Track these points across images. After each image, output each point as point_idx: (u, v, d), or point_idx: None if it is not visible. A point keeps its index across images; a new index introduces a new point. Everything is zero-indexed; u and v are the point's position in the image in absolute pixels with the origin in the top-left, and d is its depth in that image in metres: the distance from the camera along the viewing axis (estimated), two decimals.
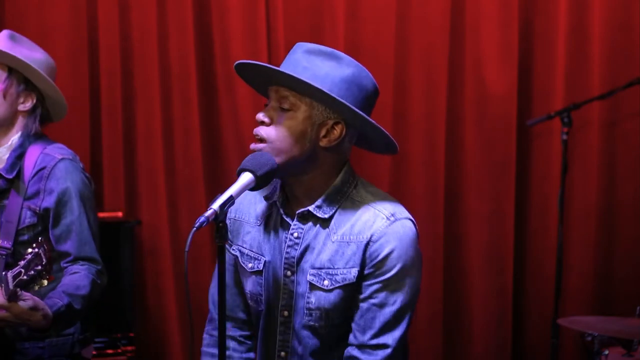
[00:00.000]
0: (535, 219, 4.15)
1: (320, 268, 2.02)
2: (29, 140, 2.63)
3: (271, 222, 2.09)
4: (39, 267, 2.27)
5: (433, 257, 4.04)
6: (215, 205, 1.80)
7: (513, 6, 4.02)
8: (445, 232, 4.06)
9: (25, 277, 2.26)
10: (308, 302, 2.03)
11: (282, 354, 2.08)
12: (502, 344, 4.11)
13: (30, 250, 2.31)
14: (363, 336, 2.00)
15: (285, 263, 2.06)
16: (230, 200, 1.82)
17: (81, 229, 2.56)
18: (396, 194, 4.03)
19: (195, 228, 1.76)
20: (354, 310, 2.01)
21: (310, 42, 4.19)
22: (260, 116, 1.98)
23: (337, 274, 2.01)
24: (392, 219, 1.99)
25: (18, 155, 2.60)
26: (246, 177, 1.90)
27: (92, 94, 3.89)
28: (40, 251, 2.28)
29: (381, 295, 1.98)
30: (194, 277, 3.83)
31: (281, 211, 2.06)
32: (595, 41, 4.03)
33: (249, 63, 2.03)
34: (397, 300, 1.98)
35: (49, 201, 2.55)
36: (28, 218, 2.56)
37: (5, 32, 2.66)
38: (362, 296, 2.00)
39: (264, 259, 2.08)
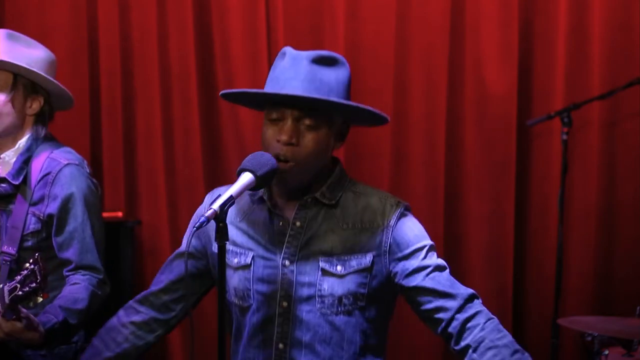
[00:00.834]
0: (535, 219, 4.15)
1: (331, 255, 2.05)
2: (37, 143, 2.59)
3: (256, 216, 2.10)
4: (34, 285, 2.26)
5: None
6: (216, 205, 1.80)
7: (513, 6, 4.02)
8: (445, 232, 4.06)
9: (20, 293, 2.26)
10: (320, 290, 2.04)
11: (281, 345, 2.06)
12: None
13: (27, 265, 2.30)
14: (452, 302, 2.11)
15: (285, 253, 2.06)
16: (231, 200, 1.83)
17: (84, 237, 2.53)
18: (396, 194, 4.02)
19: (195, 228, 1.77)
20: (416, 297, 2.08)
21: (311, 42, 4.22)
22: (286, 138, 2.00)
23: (351, 260, 2.06)
24: (400, 204, 2.12)
25: (25, 160, 2.56)
26: (246, 177, 1.90)
27: (92, 94, 3.89)
28: (36, 268, 2.27)
29: (429, 263, 2.17)
30: None
31: (269, 204, 2.09)
32: (595, 41, 4.03)
33: (271, 93, 2.02)
34: (435, 257, 2.21)
35: (52, 207, 2.52)
36: (32, 224, 2.54)
37: (2, 32, 2.61)
38: (416, 281, 2.09)
39: (252, 253, 2.09)
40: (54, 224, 2.53)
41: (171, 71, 3.92)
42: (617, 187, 4.10)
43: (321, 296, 2.05)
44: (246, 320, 2.10)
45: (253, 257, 2.08)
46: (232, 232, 2.10)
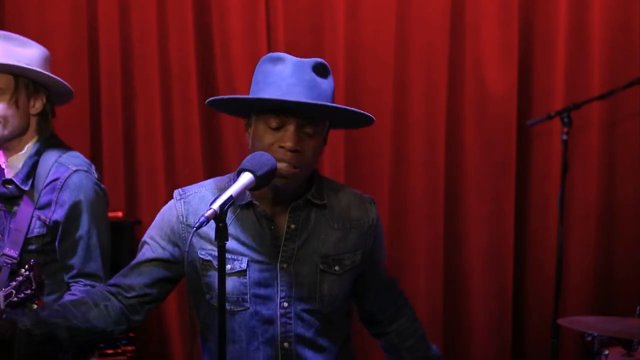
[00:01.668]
0: (535, 219, 4.15)
1: (327, 255, 2.12)
2: (44, 146, 2.58)
3: (244, 221, 2.10)
4: (29, 291, 2.26)
5: (433, 257, 4.04)
6: (215, 205, 1.79)
7: (513, 6, 4.02)
8: (445, 232, 4.06)
9: (15, 299, 2.26)
10: (320, 289, 2.10)
11: (286, 344, 2.10)
12: (502, 343, 4.10)
13: (22, 271, 2.29)
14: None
15: (282, 256, 2.08)
16: (230, 200, 1.82)
17: (89, 244, 2.52)
18: (396, 194, 4.07)
19: (195, 228, 1.76)
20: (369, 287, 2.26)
21: (310, 42, 4.21)
22: (292, 145, 1.99)
23: (345, 259, 2.14)
24: (374, 202, 2.25)
25: (33, 163, 2.54)
26: (246, 177, 1.90)
27: (92, 94, 3.89)
28: (31, 275, 2.26)
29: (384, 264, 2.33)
30: None
31: (259, 210, 2.09)
32: (595, 41, 4.03)
33: (281, 100, 1.99)
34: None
35: (59, 214, 2.51)
36: (37, 228, 2.52)
37: None
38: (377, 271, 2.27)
39: (246, 258, 2.08)
40: (59, 230, 2.52)
41: (171, 71, 3.92)
42: (617, 187, 4.11)
43: (322, 296, 2.10)
44: (239, 323, 2.11)
45: (248, 263, 2.09)
46: None
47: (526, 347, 4.19)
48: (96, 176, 2.60)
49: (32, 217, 2.52)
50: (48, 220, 2.51)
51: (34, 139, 2.59)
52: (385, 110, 3.97)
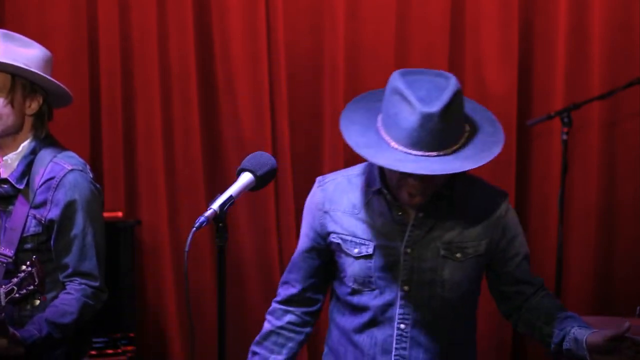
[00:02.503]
0: (535, 219, 4.15)
1: (450, 242, 2.15)
2: (40, 146, 2.58)
3: (375, 207, 2.17)
4: (31, 287, 2.28)
5: None
6: (215, 205, 1.80)
7: (513, 6, 4.02)
8: None
9: (17, 295, 2.27)
10: (442, 274, 2.15)
11: (402, 326, 2.17)
12: (502, 344, 4.10)
13: (24, 267, 2.30)
14: (530, 288, 2.32)
15: (407, 241, 2.14)
16: (230, 200, 1.83)
17: (83, 244, 2.53)
18: None
19: (195, 228, 1.77)
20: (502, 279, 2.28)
21: (311, 42, 4.21)
22: (419, 194, 2.08)
23: (467, 247, 2.17)
24: (505, 196, 2.26)
25: (28, 163, 2.55)
26: (246, 177, 1.90)
27: (92, 94, 3.89)
28: (33, 271, 2.28)
29: (521, 251, 2.37)
30: (194, 277, 3.83)
31: (389, 197, 2.15)
32: (595, 41, 4.03)
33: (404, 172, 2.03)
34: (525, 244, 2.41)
35: (54, 213, 2.51)
36: (33, 227, 2.53)
37: None
38: (507, 267, 2.28)
39: (373, 243, 2.16)
40: (54, 229, 2.53)
41: (171, 71, 3.91)
42: (617, 187, 4.11)
43: (442, 280, 2.15)
44: (366, 302, 2.20)
45: (375, 247, 2.16)
46: (350, 223, 2.19)
47: (526, 347, 4.19)
48: (91, 175, 2.61)
49: (27, 216, 2.52)
50: (44, 219, 2.52)
51: (29, 139, 2.59)
52: None
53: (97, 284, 2.55)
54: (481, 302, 4.17)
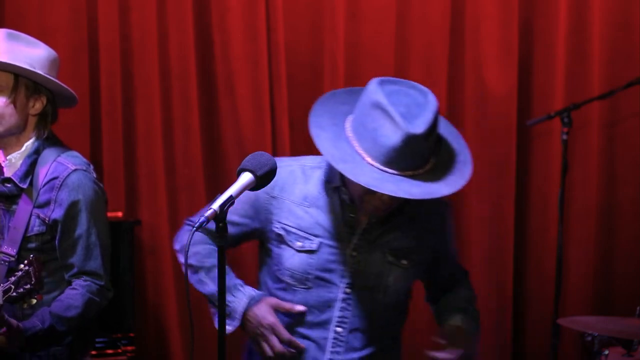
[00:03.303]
0: (535, 219, 4.15)
1: (398, 249, 2.15)
2: (43, 146, 2.58)
3: (326, 204, 2.14)
4: (28, 286, 2.28)
5: None
6: (215, 205, 1.80)
7: (513, 6, 4.02)
8: None
9: (14, 294, 2.27)
10: (386, 281, 2.15)
11: (339, 329, 2.14)
12: (502, 344, 4.10)
13: (21, 266, 2.30)
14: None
15: (355, 245, 2.13)
16: (230, 200, 1.83)
17: (88, 243, 2.54)
18: None
19: (195, 228, 1.77)
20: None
21: (310, 42, 4.21)
22: (385, 208, 2.10)
23: (414, 254, 2.18)
24: (449, 206, 2.30)
25: (32, 162, 2.55)
26: (246, 177, 1.90)
27: (92, 94, 3.89)
28: (30, 270, 2.28)
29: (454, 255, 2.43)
30: None
31: (346, 197, 2.13)
32: (595, 41, 4.03)
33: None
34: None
35: (58, 213, 2.52)
36: (37, 226, 2.54)
37: (2, 32, 2.59)
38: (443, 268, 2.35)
39: (318, 240, 2.14)
40: (58, 229, 2.54)
41: (171, 71, 3.91)
42: (617, 187, 4.11)
43: (386, 286, 2.15)
44: (298, 301, 2.16)
45: (320, 244, 2.14)
46: (298, 215, 2.16)
47: (526, 347, 4.19)
48: (94, 175, 2.62)
49: (31, 215, 2.53)
50: (47, 219, 2.52)
51: (33, 139, 2.59)
52: None
53: (102, 282, 2.56)
54: (481, 301, 4.17)
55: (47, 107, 2.61)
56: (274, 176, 1.97)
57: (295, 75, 3.97)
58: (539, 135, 4.12)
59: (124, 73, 3.89)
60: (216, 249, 1.84)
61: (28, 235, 2.53)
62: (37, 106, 2.59)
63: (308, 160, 2.24)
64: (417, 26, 4.02)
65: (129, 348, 3.59)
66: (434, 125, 2.00)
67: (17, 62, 2.51)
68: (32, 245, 2.53)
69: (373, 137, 1.99)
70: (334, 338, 2.13)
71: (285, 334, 2.10)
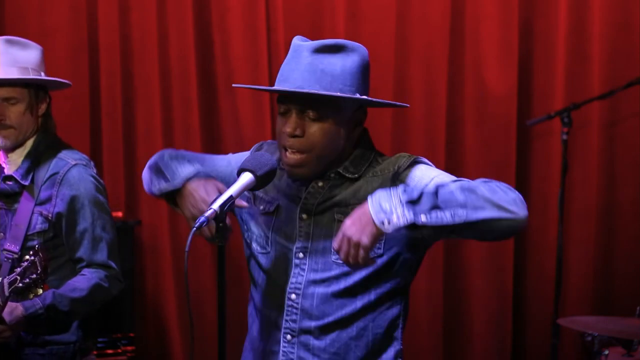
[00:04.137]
0: (535, 219, 4.14)
1: (346, 205, 2.03)
2: (44, 143, 2.62)
3: (283, 174, 2.10)
4: (34, 276, 2.28)
5: (433, 257, 4.04)
6: (215, 205, 1.80)
7: (513, 6, 4.02)
8: None
9: (20, 285, 2.28)
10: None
11: (293, 296, 2.07)
12: (502, 343, 4.11)
13: (27, 257, 2.31)
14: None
15: (302, 206, 2.06)
16: (230, 200, 1.82)
17: (94, 236, 2.56)
18: None
19: (195, 228, 1.77)
20: None
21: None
22: (290, 130, 1.99)
23: None
24: (410, 155, 2.06)
25: (33, 160, 2.59)
26: (246, 177, 1.90)
27: (92, 94, 3.89)
28: (36, 259, 2.29)
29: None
30: (194, 277, 3.83)
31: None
32: (595, 41, 4.03)
33: (266, 89, 2.07)
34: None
35: (60, 207, 2.54)
36: (39, 224, 2.55)
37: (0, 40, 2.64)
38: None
39: (277, 202, 2.10)
40: (62, 224, 2.56)
41: (171, 71, 3.92)
42: (617, 187, 4.11)
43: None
44: (260, 265, 2.12)
45: (277, 207, 2.10)
46: None
47: (526, 347, 4.19)
48: (95, 171, 2.65)
49: (32, 212, 2.55)
50: (50, 215, 2.54)
51: (34, 137, 2.62)
52: (385, 110, 3.97)
53: (112, 272, 2.58)
54: (481, 301, 4.19)
55: (49, 105, 2.66)
56: (274, 176, 1.97)
57: None
58: (539, 135, 4.12)
59: (124, 73, 3.89)
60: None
61: (30, 233, 2.55)
62: (43, 107, 2.66)
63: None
64: (417, 26, 4.02)
65: (129, 348, 3.59)
66: (326, 46, 2.02)
67: (25, 75, 2.58)
68: (34, 243, 2.54)
69: (280, 70, 2.07)
70: (289, 305, 2.06)
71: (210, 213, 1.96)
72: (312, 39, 2.28)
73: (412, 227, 1.82)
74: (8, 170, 2.61)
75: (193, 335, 1.88)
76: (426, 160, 2.09)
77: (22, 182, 2.56)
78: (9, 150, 2.61)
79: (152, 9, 3.88)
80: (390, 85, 4.00)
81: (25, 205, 2.56)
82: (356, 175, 2.05)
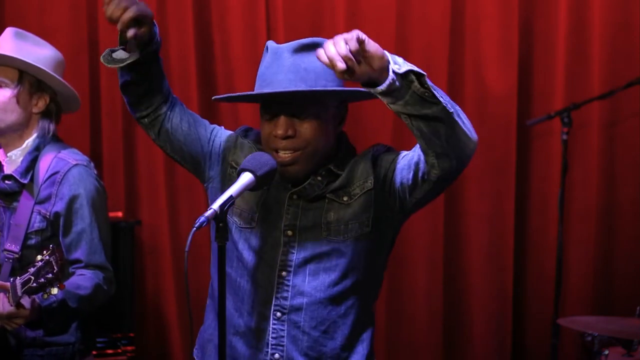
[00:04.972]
0: (535, 218, 4.15)
1: (337, 189, 2.08)
2: (44, 143, 2.60)
3: None
4: (50, 275, 2.27)
5: (433, 257, 4.04)
6: (215, 205, 1.81)
7: (513, 6, 4.02)
8: (445, 232, 4.06)
9: (34, 285, 2.26)
10: (326, 216, 2.06)
11: (284, 273, 2.08)
12: (502, 343, 4.11)
13: (40, 257, 2.30)
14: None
15: (293, 188, 2.08)
16: (230, 200, 1.83)
17: (92, 237, 2.55)
18: None
19: (195, 228, 1.77)
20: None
21: None
22: (282, 132, 2.02)
23: (354, 188, 2.09)
24: (386, 146, 2.20)
25: (33, 159, 2.57)
26: (246, 177, 1.91)
27: (92, 94, 3.89)
28: (52, 259, 2.27)
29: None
30: (194, 277, 3.83)
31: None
32: (595, 41, 4.03)
33: (248, 95, 2.11)
34: None
35: (59, 206, 2.54)
36: (37, 222, 2.55)
37: (10, 30, 2.63)
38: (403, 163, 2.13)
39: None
40: (60, 223, 2.55)
41: (171, 71, 3.92)
42: (617, 187, 4.11)
43: (328, 223, 2.07)
44: (245, 241, 2.11)
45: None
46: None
47: (526, 347, 4.19)
48: (95, 172, 2.64)
49: (32, 211, 2.54)
50: (48, 214, 2.54)
51: (34, 136, 2.61)
52: (385, 110, 3.96)
53: (109, 274, 2.58)
54: (481, 301, 4.19)
55: (51, 106, 2.64)
56: (274, 176, 1.97)
57: None
58: (539, 135, 4.12)
59: None
60: None
61: (28, 231, 2.54)
62: (40, 104, 2.61)
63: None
64: (417, 26, 4.02)
65: (129, 348, 3.59)
66: (304, 45, 2.04)
67: (22, 58, 2.53)
68: (32, 241, 2.54)
69: (258, 75, 2.09)
70: (279, 282, 2.07)
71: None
72: None
73: (407, 86, 1.94)
74: (7, 170, 2.61)
75: (193, 336, 1.88)
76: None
77: (21, 181, 2.55)
78: None
79: (152, 8, 3.79)
80: None
81: (25, 204, 2.55)
82: (341, 172, 2.10)
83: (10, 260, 2.52)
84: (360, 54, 1.82)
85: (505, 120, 4.06)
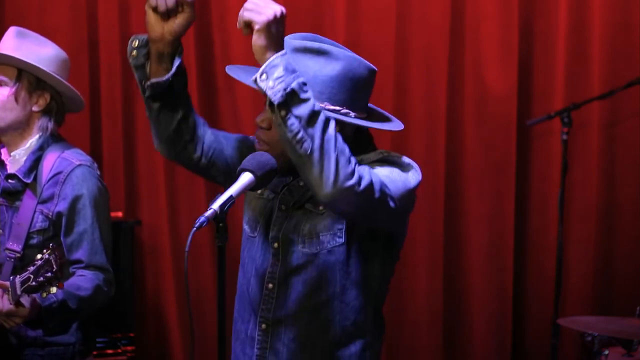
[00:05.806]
0: (535, 218, 4.15)
1: (314, 197, 2.02)
2: (48, 143, 2.60)
3: None
4: (49, 274, 2.26)
5: (433, 257, 4.04)
6: (215, 205, 1.80)
7: (513, 6, 4.02)
8: (445, 232, 4.06)
9: (33, 284, 2.26)
10: (302, 229, 2.05)
11: (270, 285, 2.08)
12: (502, 343, 4.11)
13: (40, 256, 2.30)
14: None
15: (282, 196, 2.09)
16: (231, 200, 1.83)
17: (93, 238, 2.55)
18: None
19: (195, 228, 1.77)
20: None
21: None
22: (258, 120, 2.07)
23: None
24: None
25: (36, 158, 2.57)
26: (246, 177, 1.90)
27: (92, 94, 3.89)
28: (51, 258, 2.27)
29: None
30: (194, 277, 3.83)
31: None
32: (595, 41, 4.03)
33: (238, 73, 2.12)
34: None
35: (62, 206, 2.54)
36: (40, 222, 2.55)
37: (13, 29, 2.63)
38: None
39: (267, 191, 2.13)
40: (62, 223, 2.55)
41: None
42: (617, 187, 4.11)
43: (303, 235, 2.05)
44: (249, 248, 2.14)
45: (268, 194, 2.13)
46: None
47: (526, 347, 4.19)
48: (98, 173, 2.65)
49: (34, 211, 2.54)
50: (51, 214, 2.54)
51: (37, 135, 2.61)
52: (385, 109, 3.96)
53: (109, 275, 2.57)
54: (481, 301, 4.19)
55: (52, 104, 2.63)
56: (274, 176, 1.97)
57: None
58: (539, 135, 4.12)
59: (124, 73, 3.89)
60: None
61: (31, 231, 2.54)
62: (40, 102, 2.61)
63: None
64: (417, 26, 4.02)
65: (129, 348, 3.59)
66: (313, 48, 2.13)
67: (22, 58, 2.53)
68: (33, 241, 2.54)
69: None
70: (265, 295, 2.08)
71: None
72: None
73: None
74: (11, 169, 2.61)
75: (193, 335, 1.88)
76: (399, 160, 2.22)
77: (25, 180, 2.55)
78: None
79: None
80: (390, 86, 4.00)
81: (27, 203, 2.55)
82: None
83: (12, 260, 2.52)
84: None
85: (505, 120, 4.07)
